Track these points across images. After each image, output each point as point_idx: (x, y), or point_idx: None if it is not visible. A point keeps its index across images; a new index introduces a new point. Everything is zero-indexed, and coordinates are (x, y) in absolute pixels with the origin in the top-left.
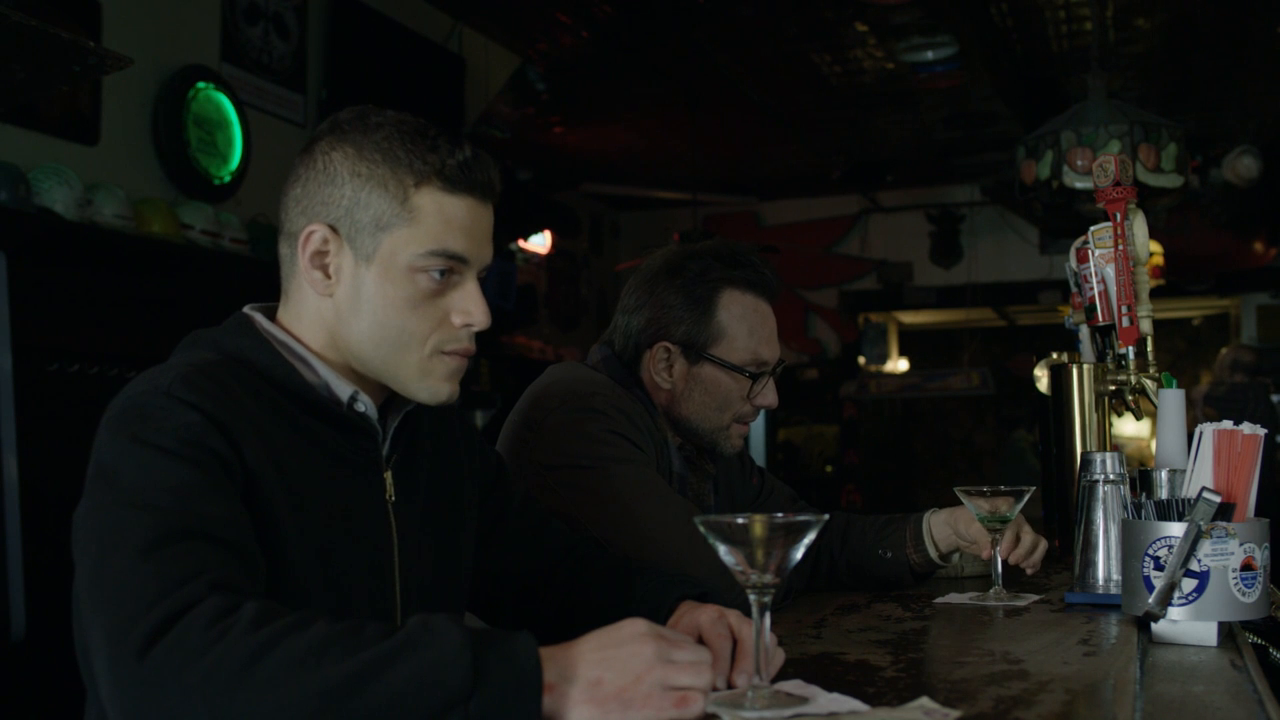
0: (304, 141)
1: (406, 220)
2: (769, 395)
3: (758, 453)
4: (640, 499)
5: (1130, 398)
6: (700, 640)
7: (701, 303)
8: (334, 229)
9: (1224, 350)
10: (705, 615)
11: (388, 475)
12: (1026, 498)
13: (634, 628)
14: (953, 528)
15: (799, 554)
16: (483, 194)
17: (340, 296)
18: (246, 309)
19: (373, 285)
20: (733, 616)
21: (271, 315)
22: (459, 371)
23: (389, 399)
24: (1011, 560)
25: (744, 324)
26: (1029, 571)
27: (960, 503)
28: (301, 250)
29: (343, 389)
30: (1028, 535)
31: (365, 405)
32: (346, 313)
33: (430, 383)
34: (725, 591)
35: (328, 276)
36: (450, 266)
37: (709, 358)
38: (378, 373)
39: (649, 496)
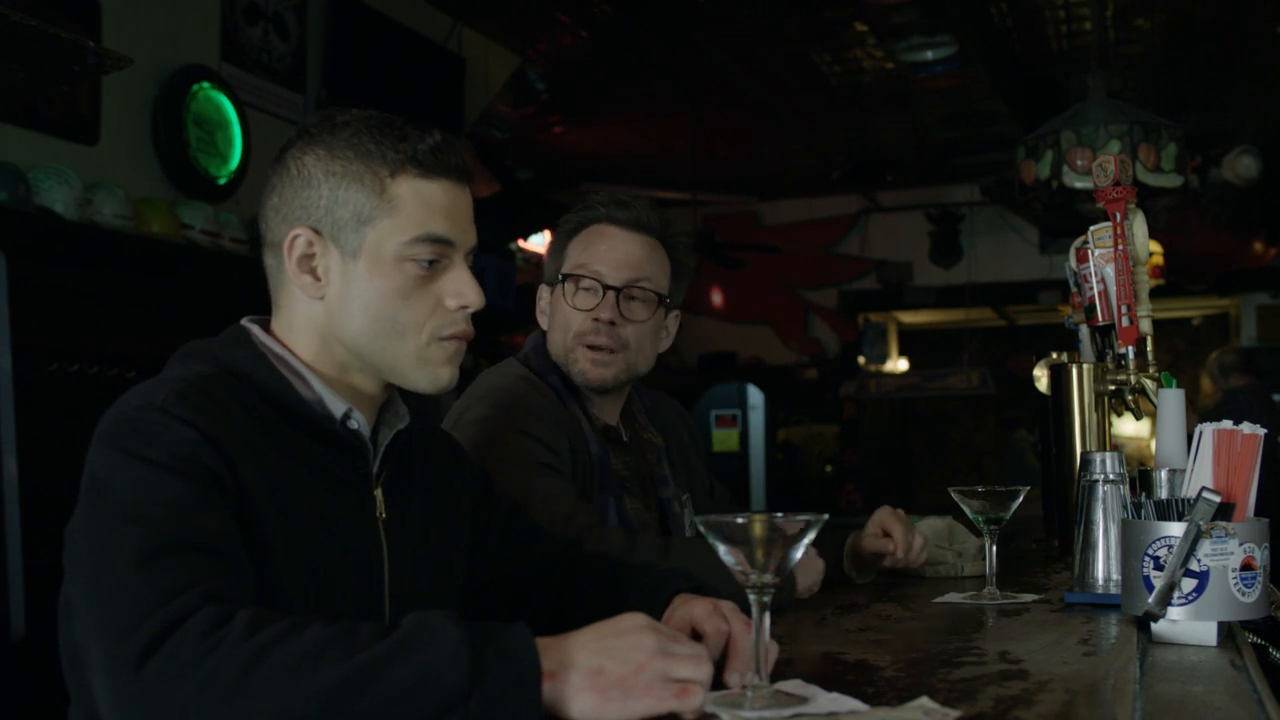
0: None
1: (387, 211)
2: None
3: (757, 452)
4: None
5: (1130, 398)
6: (695, 632)
7: None
8: (316, 231)
9: (1211, 358)
10: (700, 608)
11: (378, 493)
12: (1021, 497)
13: (634, 620)
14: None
15: (799, 554)
16: (458, 176)
17: (332, 297)
18: (244, 321)
19: (362, 280)
20: (727, 608)
21: (267, 327)
22: (458, 355)
23: (380, 417)
24: (900, 563)
25: None
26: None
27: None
28: (288, 257)
29: (336, 406)
30: (916, 536)
31: (358, 422)
32: (339, 312)
33: (429, 370)
34: (721, 584)
35: (317, 279)
36: (437, 253)
37: None
38: (376, 366)
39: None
